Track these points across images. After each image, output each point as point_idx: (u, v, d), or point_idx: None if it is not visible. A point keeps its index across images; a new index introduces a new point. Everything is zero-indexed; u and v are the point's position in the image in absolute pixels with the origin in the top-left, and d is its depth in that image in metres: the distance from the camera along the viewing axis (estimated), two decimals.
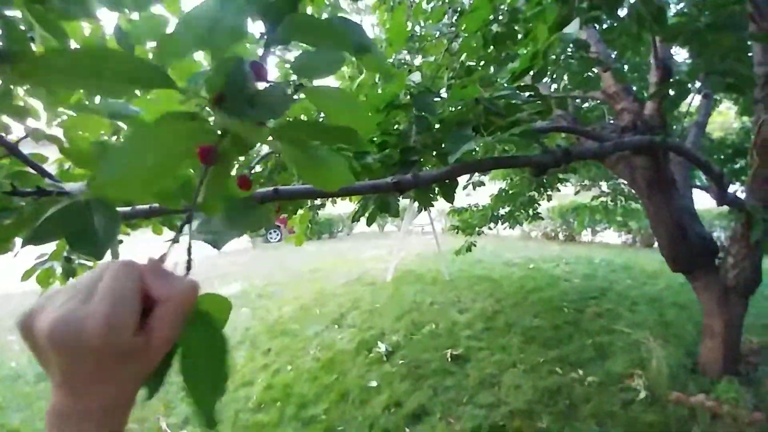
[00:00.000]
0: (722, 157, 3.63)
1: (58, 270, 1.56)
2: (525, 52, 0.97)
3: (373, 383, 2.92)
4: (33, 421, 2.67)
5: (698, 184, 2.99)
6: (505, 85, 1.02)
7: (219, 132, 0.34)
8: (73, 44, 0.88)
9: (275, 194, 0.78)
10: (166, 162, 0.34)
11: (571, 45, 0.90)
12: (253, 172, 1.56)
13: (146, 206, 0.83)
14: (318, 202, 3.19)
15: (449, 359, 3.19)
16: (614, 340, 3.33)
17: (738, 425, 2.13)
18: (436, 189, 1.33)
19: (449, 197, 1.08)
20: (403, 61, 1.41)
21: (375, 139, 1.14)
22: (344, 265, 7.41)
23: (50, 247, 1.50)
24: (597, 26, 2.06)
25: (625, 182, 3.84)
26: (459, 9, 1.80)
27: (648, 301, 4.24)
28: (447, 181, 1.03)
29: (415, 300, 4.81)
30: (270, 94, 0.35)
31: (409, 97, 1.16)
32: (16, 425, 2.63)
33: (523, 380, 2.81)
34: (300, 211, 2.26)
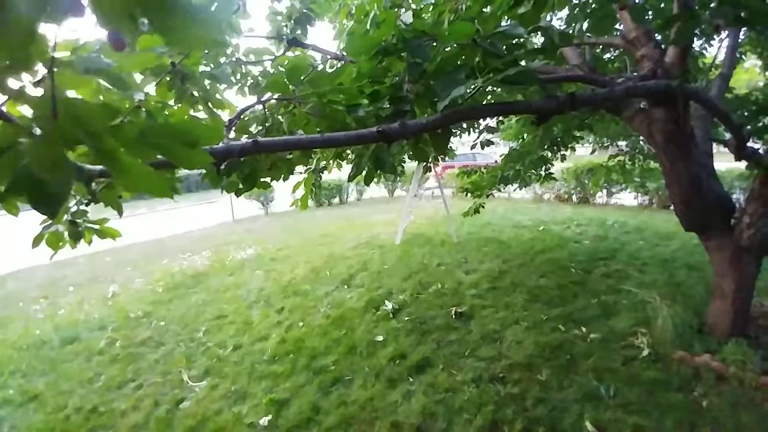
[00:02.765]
0: (746, 114, 3.41)
1: (66, 234, 1.61)
2: None
3: (380, 337, 3.05)
4: (57, 384, 2.86)
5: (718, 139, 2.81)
6: (506, 20, 0.92)
7: None
8: None
9: (255, 146, 0.76)
10: None
11: None
12: (248, 130, 1.54)
13: None
14: (322, 164, 3.15)
15: (453, 316, 3.28)
16: (620, 299, 3.34)
17: (744, 388, 2.10)
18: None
19: (442, 149, 1.03)
20: (398, 2, 1.29)
21: (365, 90, 1.08)
22: (354, 229, 7.50)
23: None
24: None
25: (644, 139, 3.64)
26: None
27: (659, 263, 4.18)
28: (440, 131, 0.98)
29: (423, 261, 4.88)
30: None
31: (402, 42, 1.08)
32: (41, 389, 2.81)
33: (525, 336, 2.88)
34: (302, 174, 2.24)
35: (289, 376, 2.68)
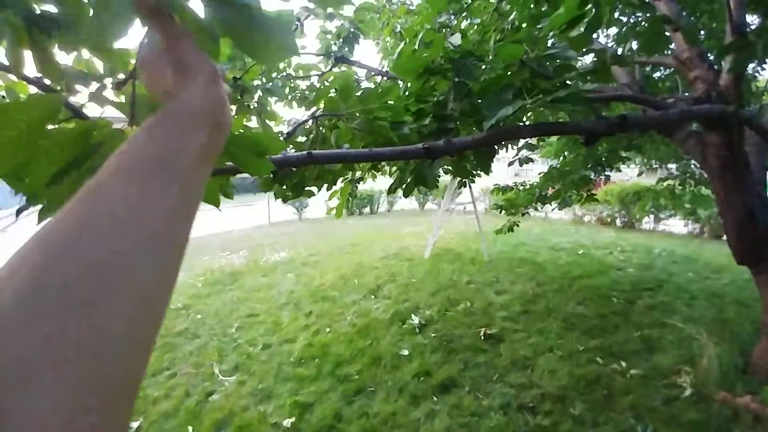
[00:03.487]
0: None
1: None
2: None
3: (405, 352, 3.02)
4: None
5: None
6: (554, 41, 0.93)
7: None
8: None
9: (309, 157, 0.81)
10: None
11: None
12: (296, 141, 1.63)
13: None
14: (358, 174, 3.23)
15: (482, 337, 3.19)
16: (665, 334, 3.10)
17: None
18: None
19: (485, 166, 1.04)
20: (446, 24, 1.34)
21: (410, 107, 1.12)
22: (383, 239, 7.54)
23: None
24: None
25: (697, 164, 3.42)
26: None
27: (708, 297, 3.87)
28: (484, 149, 0.99)
29: (452, 278, 4.80)
30: None
31: (448, 62, 1.11)
32: None
33: (558, 366, 2.74)
34: (340, 184, 2.32)
35: (314, 380, 2.72)
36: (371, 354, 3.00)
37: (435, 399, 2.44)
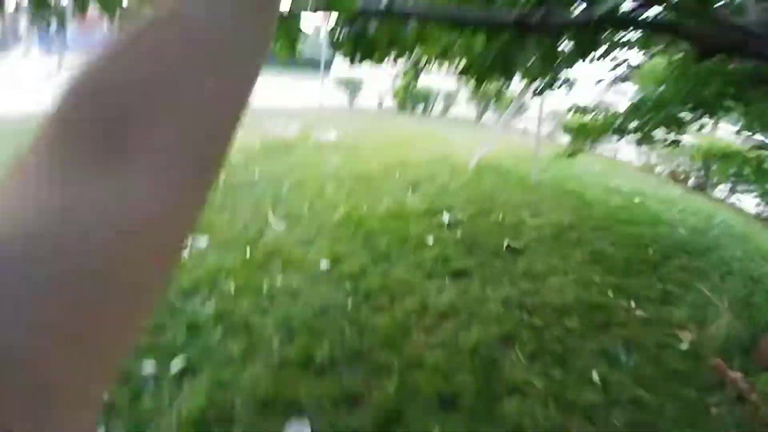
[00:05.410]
0: None
1: None
2: None
3: (430, 242, 3.32)
4: None
5: None
6: None
7: None
8: None
9: (391, 4, 0.81)
10: None
11: None
12: None
13: None
14: (425, 59, 3.04)
15: (505, 248, 3.38)
16: (686, 294, 3.10)
17: (757, 417, 2.01)
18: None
19: (586, 46, 0.97)
20: None
21: None
22: (431, 142, 7.38)
23: None
24: None
25: None
26: None
27: (745, 278, 3.67)
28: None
29: (492, 192, 4.82)
30: None
31: None
32: None
33: (568, 287, 2.91)
34: (401, 64, 2.19)
35: (349, 241, 3.14)
36: (400, 235, 3.33)
37: (447, 280, 2.79)
